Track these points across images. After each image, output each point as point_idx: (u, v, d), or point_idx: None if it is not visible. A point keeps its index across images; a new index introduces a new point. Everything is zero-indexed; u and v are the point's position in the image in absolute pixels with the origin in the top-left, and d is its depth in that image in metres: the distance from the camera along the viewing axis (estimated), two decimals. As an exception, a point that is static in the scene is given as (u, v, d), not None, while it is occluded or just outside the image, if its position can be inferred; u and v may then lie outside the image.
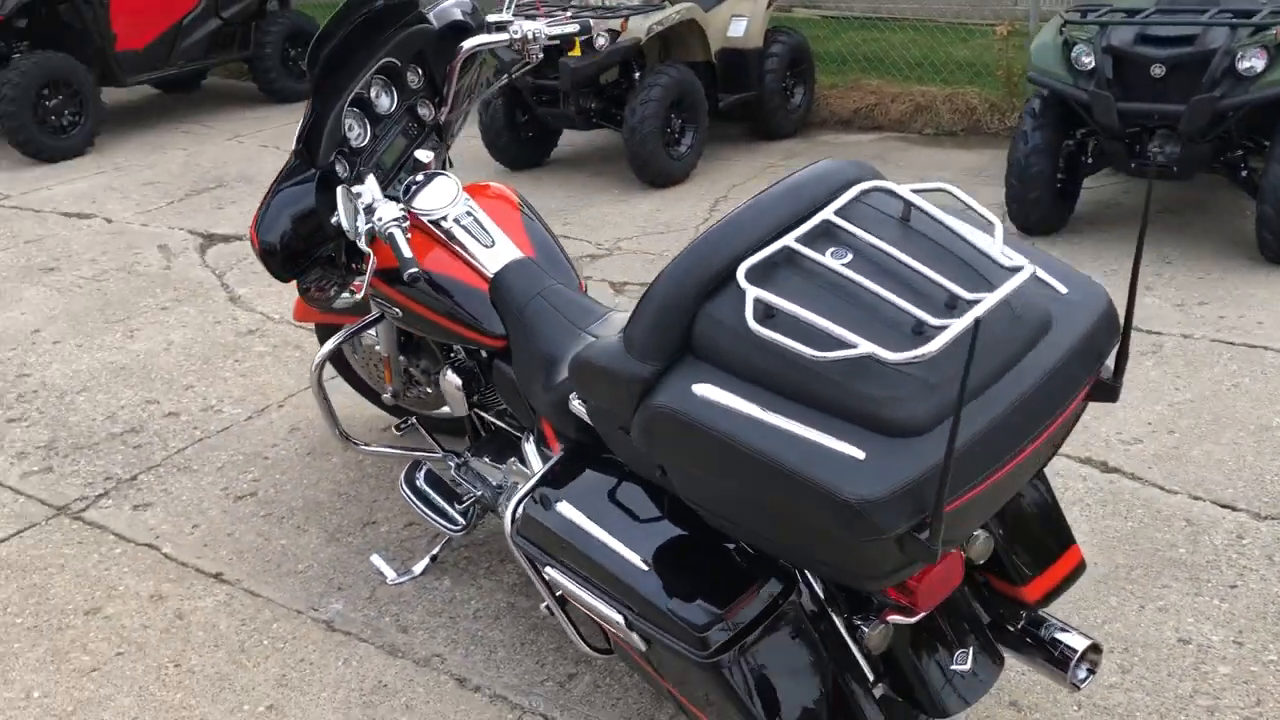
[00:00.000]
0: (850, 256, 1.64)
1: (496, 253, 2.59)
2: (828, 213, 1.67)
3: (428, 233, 2.63)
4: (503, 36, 2.87)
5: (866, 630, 1.86)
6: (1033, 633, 2.09)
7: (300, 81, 8.29)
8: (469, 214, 2.64)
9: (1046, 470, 2.10)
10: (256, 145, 7.46)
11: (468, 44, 2.83)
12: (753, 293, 1.58)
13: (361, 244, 2.46)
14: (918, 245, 1.65)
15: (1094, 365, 1.65)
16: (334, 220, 2.46)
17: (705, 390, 1.62)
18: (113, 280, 5.20)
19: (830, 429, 1.52)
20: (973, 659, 1.97)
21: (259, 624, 2.82)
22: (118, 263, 5.43)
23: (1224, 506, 3.02)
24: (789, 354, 1.53)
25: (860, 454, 1.49)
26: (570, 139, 6.93)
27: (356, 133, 2.72)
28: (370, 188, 2.51)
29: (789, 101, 6.83)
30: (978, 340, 1.45)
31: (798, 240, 1.64)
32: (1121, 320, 1.72)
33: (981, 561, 2.01)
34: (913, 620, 1.89)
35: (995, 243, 1.63)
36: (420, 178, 2.72)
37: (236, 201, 6.26)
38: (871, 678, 1.97)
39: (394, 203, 2.47)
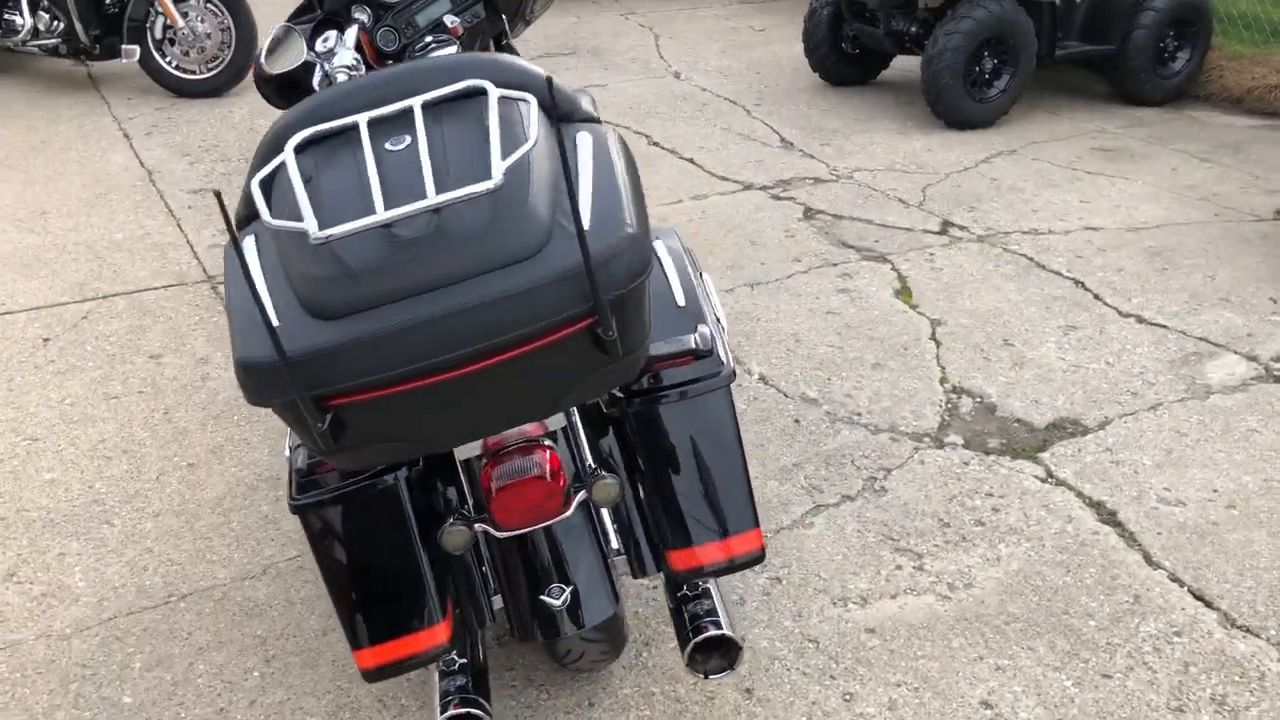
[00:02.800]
0: (405, 145, 1.65)
1: None
2: (414, 101, 1.67)
3: (417, 91, 2.83)
4: None
5: (446, 527, 1.88)
6: (686, 604, 1.98)
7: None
8: None
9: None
10: (636, 24, 7.86)
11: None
12: (281, 158, 1.64)
13: (315, 84, 2.71)
14: (466, 149, 1.62)
15: (572, 308, 1.53)
16: (260, 56, 2.72)
17: (248, 240, 1.72)
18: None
19: (279, 296, 1.58)
20: (570, 598, 1.91)
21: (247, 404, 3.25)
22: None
23: (1198, 599, 2.50)
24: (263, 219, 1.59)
25: (276, 322, 1.54)
26: (908, 64, 6.61)
27: None
28: (348, 36, 2.74)
29: (1165, 65, 6.01)
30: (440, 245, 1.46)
31: (368, 121, 1.67)
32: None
33: (608, 506, 1.93)
34: (500, 535, 1.89)
35: (513, 158, 1.55)
36: (431, 40, 2.90)
37: (572, 69, 6.71)
38: (493, 586, 1.99)
39: (350, 51, 2.68)
